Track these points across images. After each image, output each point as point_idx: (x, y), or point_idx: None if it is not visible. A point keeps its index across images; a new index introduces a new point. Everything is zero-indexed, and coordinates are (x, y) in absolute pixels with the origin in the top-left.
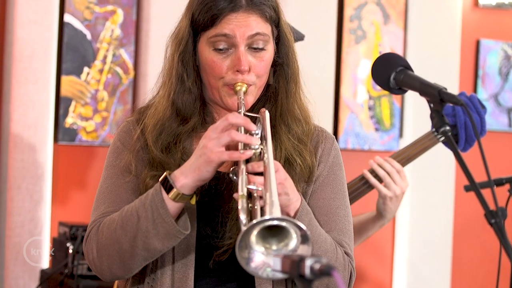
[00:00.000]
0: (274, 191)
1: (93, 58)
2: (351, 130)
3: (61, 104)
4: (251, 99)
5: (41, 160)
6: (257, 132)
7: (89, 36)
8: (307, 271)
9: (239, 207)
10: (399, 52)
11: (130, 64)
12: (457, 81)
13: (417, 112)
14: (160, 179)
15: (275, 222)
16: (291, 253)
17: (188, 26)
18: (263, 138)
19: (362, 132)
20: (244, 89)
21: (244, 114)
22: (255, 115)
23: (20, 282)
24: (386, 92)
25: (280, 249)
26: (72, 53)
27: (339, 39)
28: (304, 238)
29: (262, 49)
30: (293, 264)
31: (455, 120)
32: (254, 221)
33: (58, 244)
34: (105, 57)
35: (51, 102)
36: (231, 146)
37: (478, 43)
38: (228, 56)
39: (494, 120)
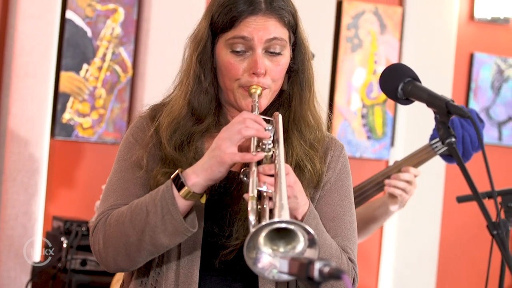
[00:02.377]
0: (284, 194)
1: (93, 55)
2: (343, 137)
3: (59, 100)
4: (265, 102)
5: (37, 154)
6: (269, 128)
7: (89, 34)
8: (316, 274)
9: (249, 208)
10: (394, 61)
11: (129, 62)
12: (449, 93)
13: (409, 122)
14: (172, 176)
15: (284, 225)
16: (298, 256)
17: (207, 27)
18: (275, 142)
19: (354, 140)
20: (259, 91)
21: None
22: (269, 118)
23: (12, 274)
24: (379, 101)
25: (287, 252)
26: (72, 49)
27: (335, 46)
28: (311, 242)
29: (279, 53)
30: (301, 266)
31: None
32: (263, 223)
33: (51, 238)
34: (104, 54)
35: (50, 97)
36: (243, 148)
37: (472, 56)
38: (245, 58)
39: (484, 133)
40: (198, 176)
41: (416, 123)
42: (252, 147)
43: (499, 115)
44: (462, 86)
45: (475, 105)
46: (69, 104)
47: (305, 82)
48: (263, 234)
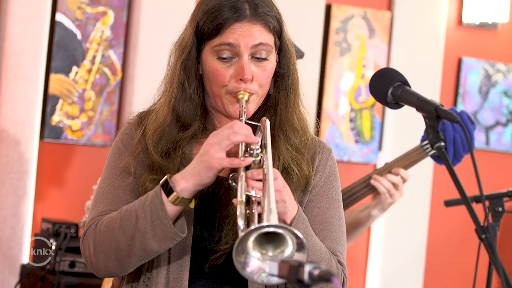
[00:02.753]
0: (272, 198)
1: (82, 57)
2: (331, 141)
3: (48, 102)
4: (252, 108)
5: (27, 156)
6: (258, 140)
7: (79, 36)
8: (306, 277)
9: (238, 212)
10: (382, 66)
11: (118, 65)
12: (437, 98)
13: (397, 126)
14: (161, 182)
15: (272, 229)
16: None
17: (193, 34)
18: (263, 147)
19: (342, 144)
20: (246, 97)
21: (245, 122)
22: (256, 123)
23: (0, 276)
24: (367, 105)
25: (276, 256)
26: (62, 52)
27: (324, 50)
28: (300, 246)
29: (265, 59)
30: (291, 269)
31: (444, 135)
32: (252, 227)
33: (40, 240)
34: (94, 57)
35: (39, 99)
36: (232, 153)
37: (460, 61)
38: (232, 65)
39: None
40: (186, 181)
41: (404, 127)
42: (240, 153)
43: (486, 120)
44: (450, 91)
45: (462, 109)
46: (58, 106)
47: (291, 86)
48: (252, 238)
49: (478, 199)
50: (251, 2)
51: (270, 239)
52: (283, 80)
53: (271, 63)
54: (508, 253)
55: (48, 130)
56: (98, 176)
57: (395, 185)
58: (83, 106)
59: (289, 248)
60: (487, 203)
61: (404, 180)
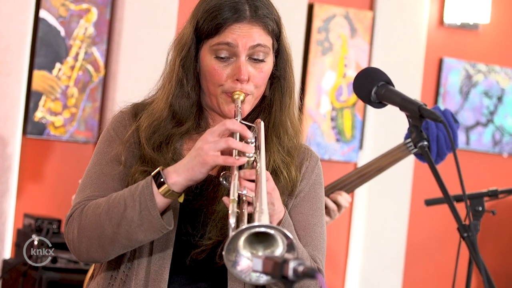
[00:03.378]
0: (264, 199)
1: (66, 54)
2: (312, 140)
3: (31, 98)
4: (247, 108)
5: (9, 152)
6: (252, 140)
7: (63, 33)
8: (290, 273)
9: (230, 211)
10: (364, 65)
11: (101, 62)
12: (418, 98)
13: (378, 125)
14: (153, 173)
15: (264, 229)
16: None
17: (192, 33)
18: (257, 148)
19: (323, 142)
20: (242, 97)
21: (240, 122)
22: (251, 124)
23: None
24: (348, 104)
25: None
26: (45, 48)
27: (306, 49)
28: (290, 247)
29: (262, 60)
30: (276, 265)
31: (427, 133)
32: (245, 226)
33: (22, 235)
34: (77, 54)
35: (22, 95)
36: (226, 151)
37: (441, 61)
38: (229, 64)
39: None
40: (179, 175)
41: (384, 126)
42: (235, 151)
43: (467, 120)
44: (431, 91)
45: (443, 108)
46: (41, 103)
47: (286, 89)
48: (243, 237)
49: (459, 198)
50: (251, 3)
51: (260, 239)
52: (279, 82)
53: (268, 65)
54: (487, 253)
55: (31, 126)
56: (80, 171)
57: (339, 207)
58: (66, 103)
59: (279, 249)
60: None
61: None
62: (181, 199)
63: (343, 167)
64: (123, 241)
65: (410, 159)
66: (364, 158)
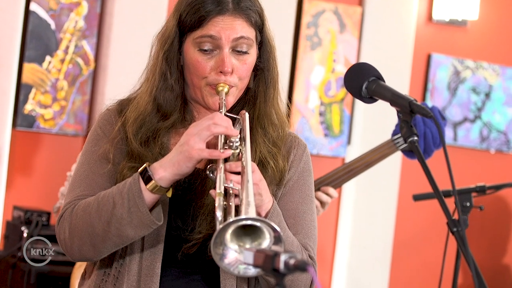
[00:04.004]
0: (250, 191)
1: (56, 47)
2: (301, 134)
3: (21, 91)
4: (231, 100)
5: None
6: (236, 126)
7: (53, 26)
8: (281, 266)
9: (216, 204)
10: (353, 60)
11: (91, 55)
12: (406, 93)
13: (366, 120)
14: (140, 169)
15: (250, 222)
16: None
17: (175, 26)
18: (242, 139)
19: (312, 137)
20: (226, 90)
21: (225, 114)
22: (235, 116)
23: None
24: (337, 99)
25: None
26: (35, 41)
27: (295, 44)
28: (277, 239)
29: (246, 52)
30: (267, 258)
31: None
32: (231, 219)
33: (12, 228)
34: (67, 47)
35: (12, 88)
36: (211, 145)
37: (429, 57)
38: (213, 57)
39: None
40: (165, 170)
41: (373, 122)
42: (220, 144)
43: (454, 116)
44: (419, 86)
45: (431, 105)
46: (31, 95)
47: (270, 81)
48: (230, 230)
49: (446, 194)
50: None
51: (247, 231)
52: (263, 74)
53: (252, 57)
54: (472, 248)
55: (21, 118)
56: (69, 164)
57: (322, 203)
58: (55, 96)
59: (266, 241)
60: (454, 197)
61: (331, 198)
62: (169, 194)
63: (331, 162)
64: (114, 239)
65: (398, 155)
66: (352, 153)
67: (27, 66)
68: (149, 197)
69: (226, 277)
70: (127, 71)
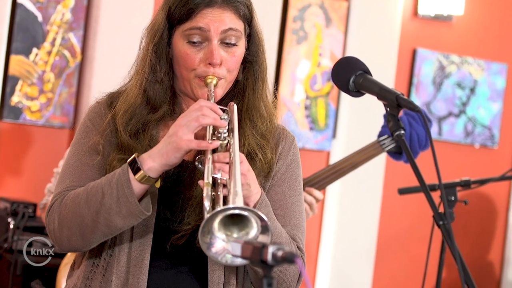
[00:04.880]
0: (238, 181)
1: (43, 39)
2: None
3: (8, 83)
4: (220, 92)
5: None
6: (225, 117)
7: (40, 18)
8: (269, 258)
9: (204, 194)
10: (338, 55)
11: (78, 48)
12: (392, 87)
13: (351, 115)
14: (129, 160)
15: (238, 211)
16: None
17: (164, 18)
18: (230, 131)
19: (297, 130)
20: (214, 82)
21: None
22: (224, 107)
23: None
24: (322, 93)
25: (241, 237)
26: (22, 33)
27: (281, 38)
28: (264, 229)
29: (234, 44)
30: (255, 250)
31: None
32: (218, 209)
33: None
34: (54, 39)
35: None
36: (199, 136)
37: (414, 52)
38: (201, 49)
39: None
40: (154, 161)
41: (358, 116)
42: (208, 135)
43: (439, 111)
44: (404, 81)
45: (416, 100)
46: (18, 87)
47: (259, 73)
48: (217, 220)
49: (432, 188)
50: None
51: (235, 221)
52: (251, 66)
53: (240, 49)
54: (459, 245)
55: (7, 110)
56: (56, 156)
57: (310, 206)
58: (42, 88)
59: (253, 230)
60: (439, 192)
61: (317, 200)
62: (158, 185)
63: (317, 156)
64: (103, 229)
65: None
66: (337, 147)
67: (14, 58)
68: (137, 187)
69: (214, 269)
70: (113, 63)
